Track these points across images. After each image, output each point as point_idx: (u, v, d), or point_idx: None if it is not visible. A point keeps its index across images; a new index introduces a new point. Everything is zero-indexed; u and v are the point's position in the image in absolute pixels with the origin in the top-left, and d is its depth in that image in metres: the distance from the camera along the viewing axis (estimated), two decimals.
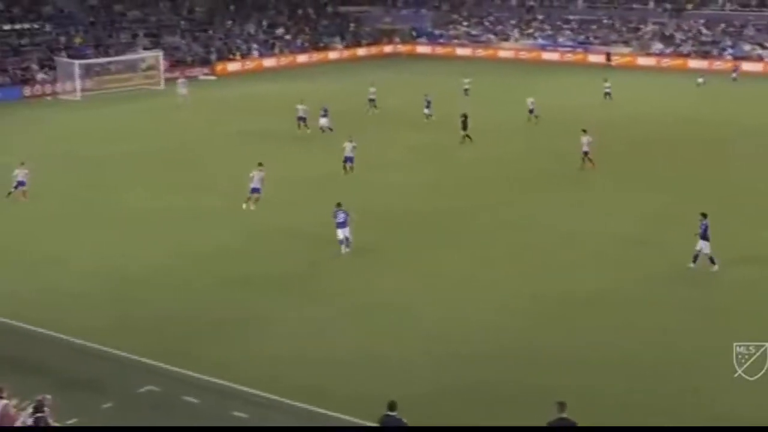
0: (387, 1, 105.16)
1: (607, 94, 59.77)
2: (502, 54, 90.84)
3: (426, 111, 52.17)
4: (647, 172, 40.81)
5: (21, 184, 36.08)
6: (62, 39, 72.89)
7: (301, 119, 48.60)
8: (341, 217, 29.33)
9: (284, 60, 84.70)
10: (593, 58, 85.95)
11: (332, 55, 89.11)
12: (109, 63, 70.30)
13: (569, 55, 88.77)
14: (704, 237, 27.19)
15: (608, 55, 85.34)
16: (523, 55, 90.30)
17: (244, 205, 33.83)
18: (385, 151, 44.79)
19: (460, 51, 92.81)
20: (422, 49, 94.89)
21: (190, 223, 33.05)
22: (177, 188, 38.03)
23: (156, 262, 28.92)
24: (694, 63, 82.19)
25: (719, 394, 20.07)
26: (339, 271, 28.07)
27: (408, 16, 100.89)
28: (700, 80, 68.86)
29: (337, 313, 24.84)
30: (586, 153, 39.55)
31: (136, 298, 26.01)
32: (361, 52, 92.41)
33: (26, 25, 72.86)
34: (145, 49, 75.01)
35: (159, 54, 72.22)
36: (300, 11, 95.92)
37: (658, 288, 26.56)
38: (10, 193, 36.01)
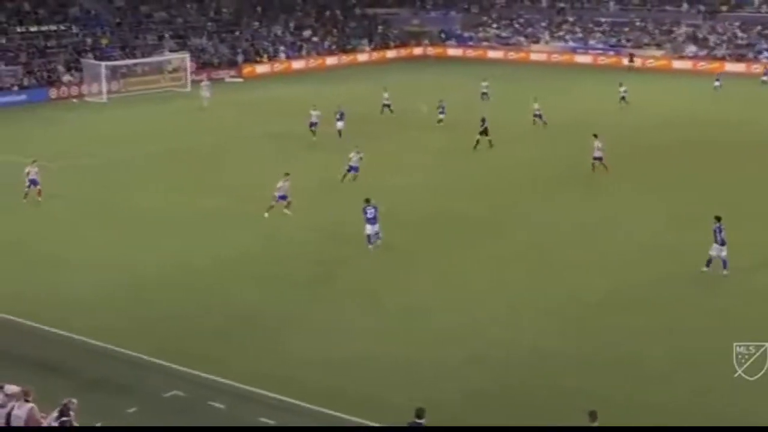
0: (415, 3, 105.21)
1: (622, 98, 59.04)
2: (532, 57, 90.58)
3: (440, 116, 51.77)
4: (666, 176, 40.88)
5: (34, 183, 36.05)
6: (89, 41, 72.90)
7: (313, 125, 48.19)
8: (371, 212, 29.78)
9: (312, 62, 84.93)
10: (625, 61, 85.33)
11: (360, 57, 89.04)
12: (136, 65, 70.59)
13: (600, 57, 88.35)
14: (718, 240, 27.20)
15: (631, 57, 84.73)
16: (554, 57, 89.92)
17: (266, 214, 33.59)
18: (403, 154, 45.06)
19: (492, 53, 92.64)
20: (453, 51, 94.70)
21: (212, 225, 33.17)
22: (199, 190, 38.18)
23: (178, 264, 28.96)
24: (729, 66, 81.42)
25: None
26: (362, 273, 28.18)
27: (437, 18, 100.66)
28: (717, 83, 68.24)
29: (362, 315, 24.91)
30: (598, 158, 39.48)
31: (159, 300, 26.02)
32: (390, 54, 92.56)
33: (53, 27, 72.79)
34: (172, 50, 75.29)
35: (185, 56, 72.46)
36: (327, 13, 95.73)
37: (669, 290, 26.79)
38: (26, 194, 36.11)
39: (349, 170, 38.15)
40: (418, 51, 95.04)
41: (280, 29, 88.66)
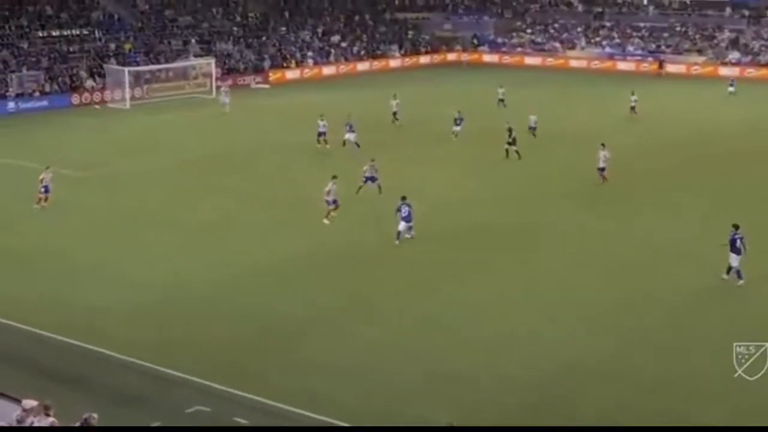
0: (447, 7, 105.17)
1: (632, 108, 57.98)
2: (572, 63, 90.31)
3: (455, 128, 49.64)
4: (690, 184, 41.33)
5: (47, 189, 36.42)
6: (112, 45, 73.49)
7: (321, 134, 47.81)
8: (405, 210, 31.05)
9: (341, 68, 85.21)
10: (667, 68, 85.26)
11: (391, 63, 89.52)
12: (159, 70, 70.80)
13: (640, 64, 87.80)
14: (734, 249, 27.11)
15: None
16: (591, 64, 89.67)
17: (325, 221, 34.07)
18: (427, 163, 45.04)
19: (529, 60, 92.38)
20: (488, 57, 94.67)
21: (238, 235, 33.23)
22: (223, 199, 38.32)
23: (205, 275, 28.97)
24: None
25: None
26: (396, 287, 28.13)
27: (469, 23, 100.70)
28: (731, 89, 67.60)
29: (396, 330, 24.80)
30: (602, 169, 39.51)
31: (184, 312, 26.01)
32: (423, 60, 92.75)
33: (75, 32, 73.21)
34: (197, 56, 75.55)
35: (211, 61, 72.61)
36: (356, 18, 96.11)
37: (687, 297, 27.25)
38: (39, 200, 36.49)
39: (365, 181, 37.64)
40: (452, 57, 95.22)
41: (308, 34, 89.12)
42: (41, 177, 36.50)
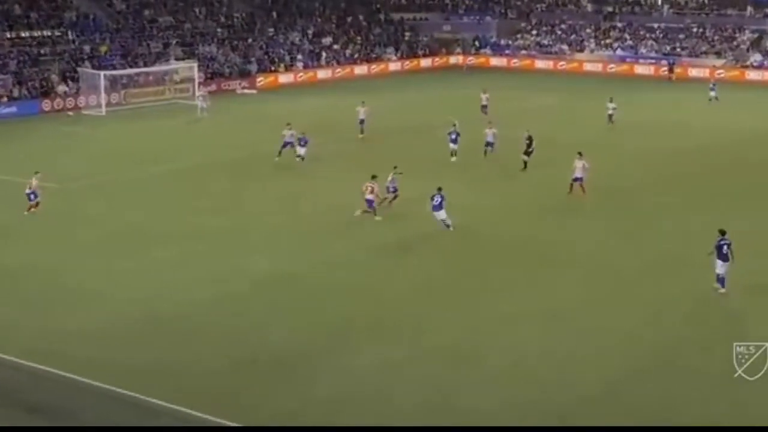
0: (446, 7, 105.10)
1: (610, 116, 56.71)
2: (578, 66, 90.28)
3: (452, 146, 46.36)
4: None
5: (34, 195, 37.11)
6: (86, 48, 73.00)
7: (288, 144, 46.26)
8: (437, 200, 33.72)
9: (336, 72, 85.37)
10: (685, 71, 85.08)
11: (391, 66, 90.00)
12: (138, 74, 70.63)
13: (652, 67, 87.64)
14: (720, 256, 27.71)
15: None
16: (606, 68, 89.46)
17: (377, 217, 35.83)
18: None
19: (540, 63, 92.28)
20: (496, 61, 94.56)
21: (226, 251, 33.05)
22: (207, 213, 38.11)
23: (199, 294, 28.70)
24: None
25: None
26: (412, 309, 27.67)
27: (470, 24, 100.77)
28: (712, 93, 67.19)
29: (412, 354, 24.34)
30: (578, 179, 39.55)
31: (179, 335, 25.62)
32: (424, 63, 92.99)
33: (46, 33, 72.77)
34: (178, 59, 75.30)
35: (193, 65, 72.42)
36: (349, 18, 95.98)
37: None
38: (30, 207, 37.03)
39: (392, 192, 37.57)
40: (454, 60, 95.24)
41: (298, 36, 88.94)
42: (30, 182, 37.29)
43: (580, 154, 39.95)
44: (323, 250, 32.95)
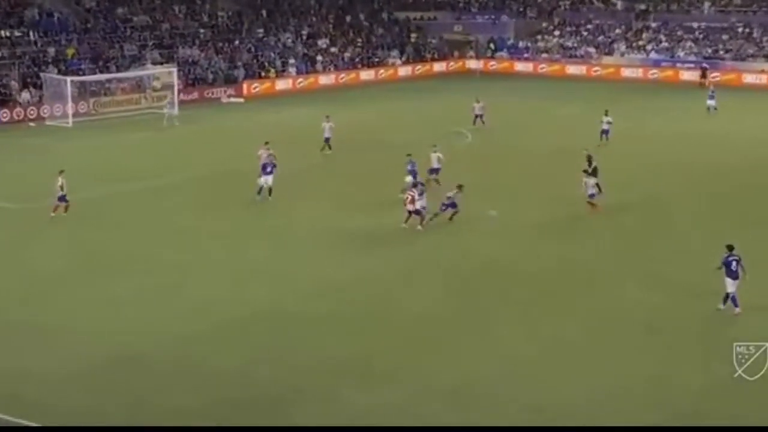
0: (458, 5, 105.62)
1: (604, 132, 55.61)
2: (615, 72, 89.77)
3: (431, 175, 44.63)
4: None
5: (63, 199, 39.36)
6: (50, 50, 72.64)
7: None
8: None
9: (338, 78, 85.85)
10: (736, 78, 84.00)
11: (395, 72, 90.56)
12: (110, 81, 70.62)
13: (690, 73, 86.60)
14: (729, 273, 28.56)
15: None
16: (638, 73, 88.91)
17: (419, 227, 37.87)
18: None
19: (572, 69, 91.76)
20: (521, 66, 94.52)
21: (203, 280, 33.13)
22: (187, 237, 38.32)
23: (169, 329, 28.59)
24: None
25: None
26: (393, 352, 27.38)
27: (484, 24, 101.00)
28: (711, 102, 66.21)
29: (406, 397, 24.32)
30: (591, 195, 41.20)
31: (156, 377, 25.41)
32: (437, 67, 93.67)
33: (5, 33, 71.96)
34: (155, 63, 75.14)
35: (172, 70, 72.15)
36: (348, 18, 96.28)
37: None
38: (56, 208, 39.22)
39: (444, 208, 38.88)
40: (472, 64, 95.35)
41: (290, 38, 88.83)
42: (60, 183, 39.24)
43: (586, 171, 41.48)
44: (305, 280, 33.06)
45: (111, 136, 60.35)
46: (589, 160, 43.15)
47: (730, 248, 28.80)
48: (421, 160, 44.11)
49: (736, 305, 28.58)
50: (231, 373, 25.54)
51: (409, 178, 42.62)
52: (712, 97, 66.54)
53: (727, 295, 28.70)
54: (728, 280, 28.52)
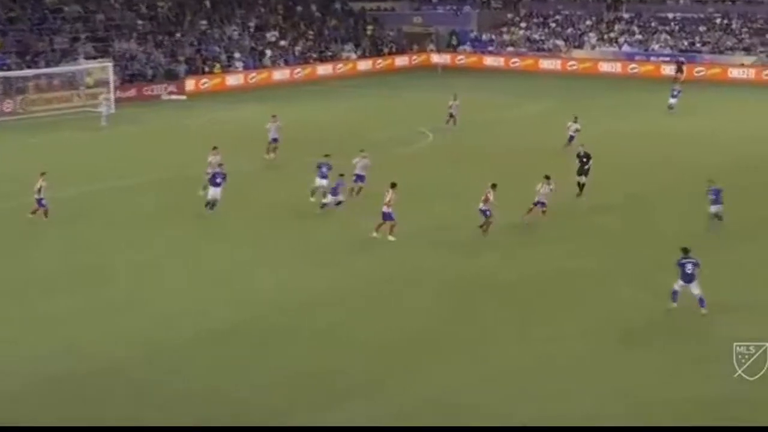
0: None
1: (571, 137, 54.15)
2: (593, 67, 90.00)
3: (319, 181, 42.00)
4: None
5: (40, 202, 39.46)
6: None
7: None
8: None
9: (293, 73, 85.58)
10: (704, 71, 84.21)
11: (354, 66, 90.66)
12: (38, 77, 69.86)
13: (671, 67, 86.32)
14: (684, 276, 29.51)
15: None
16: (617, 68, 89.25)
17: (386, 235, 36.85)
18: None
19: (545, 64, 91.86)
20: (491, 60, 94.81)
21: (160, 291, 32.54)
22: (118, 247, 37.55)
23: (134, 344, 27.97)
24: None
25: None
26: (377, 356, 27.56)
27: (445, 16, 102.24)
28: (673, 100, 65.82)
29: (387, 415, 24.05)
30: (541, 203, 40.47)
31: (110, 396, 24.98)
32: (399, 62, 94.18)
33: None
34: (89, 58, 74.52)
35: (108, 65, 71.41)
36: (299, 8, 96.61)
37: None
38: (35, 211, 39.19)
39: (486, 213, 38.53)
40: (437, 58, 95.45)
41: (237, 30, 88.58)
42: (38, 186, 39.34)
43: (547, 177, 40.68)
44: (280, 291, 32.63)
45: (40, 137, 59.34)
46: (585, 158, 43.42)
47: (686, 251, 29.73)
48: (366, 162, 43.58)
49: (674, 301, 29.61)
50: (202, 389, 25.28)
51: (318, 180, 41.80)
52: (675, 96, 65.74)
53: (675, 293, 29.67)
54: (679, 282, 29.59)
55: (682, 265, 29.52)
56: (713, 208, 37.24)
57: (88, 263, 35.55)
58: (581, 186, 43.87)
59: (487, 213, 37.73)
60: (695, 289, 29.55)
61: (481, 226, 37.56)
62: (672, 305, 29.75)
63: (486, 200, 37.49)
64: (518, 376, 26.25)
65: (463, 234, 38.32)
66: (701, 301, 29.44)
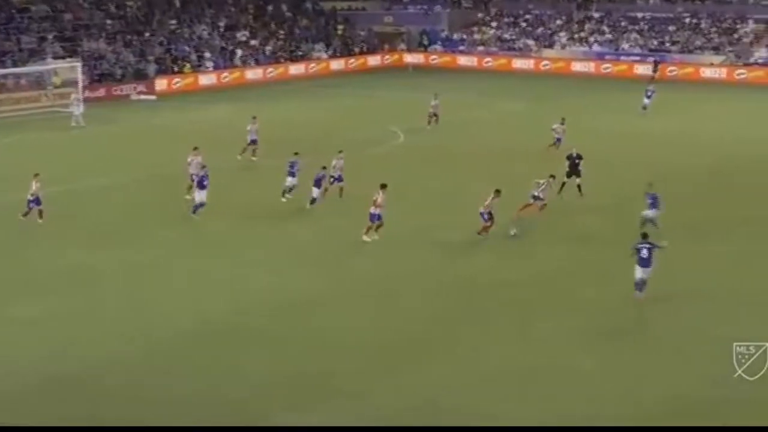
0: None
1: (558, 139, 53.69)
2: (565, 67, 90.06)
3: (290, 180, 42.48)
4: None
5: (37, 201, 39.09)
6: None
7: (197, 176, 41.74)
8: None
9: (266, 73, 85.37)
10: (676, 71, 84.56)
11: (327, 66, 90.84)
12: (4, 77, 69.98)
13: (645, 67, 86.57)
14: (641, 260, 30.11)
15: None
16: (590, 67, 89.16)
17: (365, 237, 36.76)
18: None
19: (518, 63, 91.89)
20: (465, 60, 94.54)
21: (140, 293, 32.24)
22: (94, 246, 37.11)
23: (113, 348, 27.75)
24: None
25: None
26: (356, 372, 26.83)
27: (416, 15, 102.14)
28: (647, 101, 65.62)
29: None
30: (539, 198, 40.68)
31: (88, 401, 24.64)
32: (372, 61, 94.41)
33: None
34: (57, 57, 74.28)
35: (76, 65, 70.79)
36: (270, 8, 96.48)
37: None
38: (27, 213, 38.93)
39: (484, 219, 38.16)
40: (410, 58, 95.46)
41: (206, 30, 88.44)
42: (33, 188, 39.21)
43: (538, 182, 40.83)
44: (255, 294, 32.30)
45: (8, 137, 58.90)
46: (576, 159, 43.34)
47: (644, 236, 30.72)
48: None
49: (640, 291, 30.13)
50: (181, 394, 25.02)
51: (290, 180, 41.80)
52: (649, 97, 65.56)
53: (641, 281, 30.28)
54: (637, 268, 30.13)
55: (638, 250, 30.04)
56: (648, 213, 36.78)
57: (80, 263, 35.22)
58: (579, 187, 43.57)
59: (485, 217, 37.34)
60: (645, 273, 29.95)
61: (479, 233, 37.10)
62: (639, 295, 30.06)
63: (487, 205, 37.12)
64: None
65: (453, 235, 38.21)
66: (642, 284, 29.91)
